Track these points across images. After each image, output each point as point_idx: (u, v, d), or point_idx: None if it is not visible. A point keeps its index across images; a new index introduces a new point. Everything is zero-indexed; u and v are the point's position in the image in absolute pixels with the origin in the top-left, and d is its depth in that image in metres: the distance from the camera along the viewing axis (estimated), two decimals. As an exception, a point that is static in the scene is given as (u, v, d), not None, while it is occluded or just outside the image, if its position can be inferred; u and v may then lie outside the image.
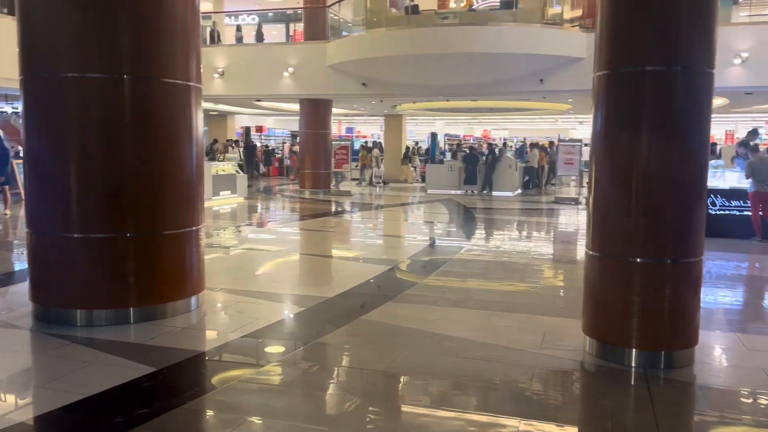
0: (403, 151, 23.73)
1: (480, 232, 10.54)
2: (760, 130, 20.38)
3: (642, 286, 3.97)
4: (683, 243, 3.95)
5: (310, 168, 17.91)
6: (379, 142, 23.89)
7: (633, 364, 4.03)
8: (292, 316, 5.16)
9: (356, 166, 22.46)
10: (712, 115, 4.06)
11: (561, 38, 14.15)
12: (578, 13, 15.00)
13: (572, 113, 26.38)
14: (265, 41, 19.35)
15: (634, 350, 4.05)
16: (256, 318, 5.01)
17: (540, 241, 9.98)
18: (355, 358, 4.15)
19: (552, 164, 20.00)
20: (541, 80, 14.67)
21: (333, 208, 14.28)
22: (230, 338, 4.46)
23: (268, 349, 4.27)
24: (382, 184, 20.75)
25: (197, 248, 5.15)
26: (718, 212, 9.90)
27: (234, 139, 22.34)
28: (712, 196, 9.78)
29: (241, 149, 20.89)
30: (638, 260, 3.96)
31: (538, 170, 20.54)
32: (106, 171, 4.61)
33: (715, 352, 4.39)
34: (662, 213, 3.90)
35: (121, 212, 4.66)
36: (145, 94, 4.68)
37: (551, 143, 16.67)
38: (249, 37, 20.13)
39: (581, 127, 36.96)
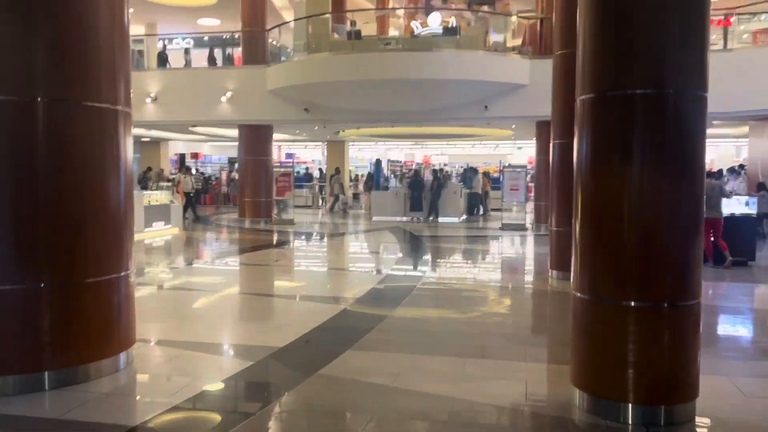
0: (350, 177, 23.47)
1: (435, 262, 10.27)
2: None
3: (638, 333, 3.66)
4: (682, 283, 3.65)
5: (250, 196, 17.28)
6: (337, 168, 23.34)
7: (630, 421, 3.70)
8: (236, 373, 4.60)
9: (329, 193, 21.96)
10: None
11: (504, 65, 14.24)
12: (518, 41, 15.39)
13: (512, 139, 26.85)
14: (193, 66, 18.47)
15: (630, 405, 3.71)
16: (194, 378, 4.45)
17: (498, 271, 9.83)
18: (312, 432, 3.59)
19: (485, 194, 20.12)
20: (486, 107, 14.70)
21: (276, 239, 13.88)
22: (163, 407, 3.87)
23: (206, 422, 3.71)
24: (346, 212, 20.51)
25: (126, 297, 4.59)
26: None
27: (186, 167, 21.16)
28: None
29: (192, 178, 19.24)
30: (632, 304, 3.65)
31: (482, 196, 20.43)
32: (15, 209, 4.08)
33: (714, 403, 4.02)
34: (658, 249, 3.61)
35: (33, 258, 4.11)
36: (63, 119, 4.19)
37: (502, 169, 16.79)
38: (181, 62, 19.29)
39: (520, 153, 37.53)
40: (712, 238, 9.52)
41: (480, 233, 15.37)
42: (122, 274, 4.56)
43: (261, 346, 5.21)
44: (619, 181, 3.64)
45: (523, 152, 37.75)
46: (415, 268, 9.53)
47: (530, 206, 18.12)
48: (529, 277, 9.15)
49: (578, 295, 3.88)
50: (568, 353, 4.10)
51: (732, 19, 13.90)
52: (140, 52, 18.38)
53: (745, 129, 17.75)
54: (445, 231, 15.57)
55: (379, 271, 9.44)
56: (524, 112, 14.53)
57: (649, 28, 3.59)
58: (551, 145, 8.50)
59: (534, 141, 24.84)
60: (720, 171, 14.59)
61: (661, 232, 3.61)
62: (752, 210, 9.93)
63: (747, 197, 10.14)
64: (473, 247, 12.90)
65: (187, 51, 19.21)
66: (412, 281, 8.32)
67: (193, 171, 22.53)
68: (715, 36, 13.52)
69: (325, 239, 14.08)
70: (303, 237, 14.34)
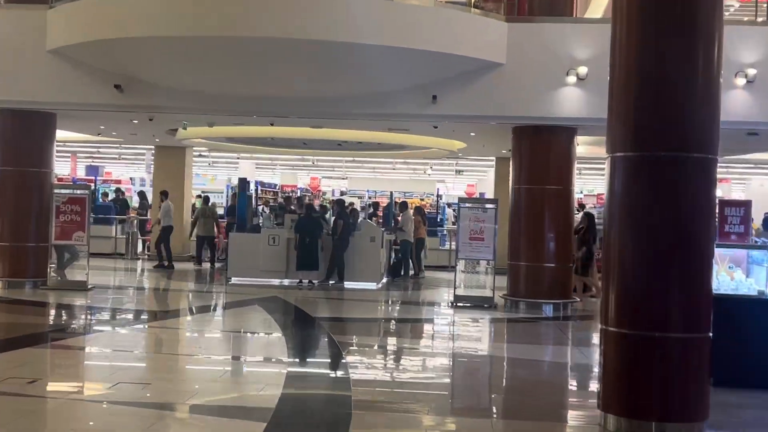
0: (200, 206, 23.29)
1: (356, 387, 9.10)
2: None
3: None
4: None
5: (8, 239, 15.90)
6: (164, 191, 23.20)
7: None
8: None
9: (192, 237, 22.58)
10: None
11: (468, 28, 14.19)
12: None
13: (451, 159, 27.75)
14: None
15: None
16: None
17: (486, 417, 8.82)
18: None
19: (417, 242, 20.18)
20: (434, 97, 14.34)
21: (53, 323, 13.55)
22: None
23: None
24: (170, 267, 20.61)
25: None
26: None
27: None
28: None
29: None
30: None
31: (414, 246, 20.00)
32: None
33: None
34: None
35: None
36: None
37: (452, 205, 16.47)
38: None
39: (457, 181, 37.15)
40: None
41: (416, 313, 15.74)
42: None
43: None
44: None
45: (466, 179, 37.77)
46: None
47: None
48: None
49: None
50: None
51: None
52: None
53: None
54: (356, 308, 15.81)
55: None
56: (498, 109, 14.51)
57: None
58: (609, 160, 7.48)
59: (493, 163, 24.31)
60: None
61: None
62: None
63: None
64: (416, 347, 12.69)
65: None
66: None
67: None
68: None
69: (152, 325, 13.58)
70: (100, 321, 13.82)
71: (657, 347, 6.58)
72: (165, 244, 20.75)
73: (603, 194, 32.43)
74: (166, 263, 20.59)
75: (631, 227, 6.80)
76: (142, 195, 26.36)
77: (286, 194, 31.33)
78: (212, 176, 38.02)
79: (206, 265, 21.47)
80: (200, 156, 30.80)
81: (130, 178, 36.66)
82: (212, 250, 21.34)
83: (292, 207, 21.68)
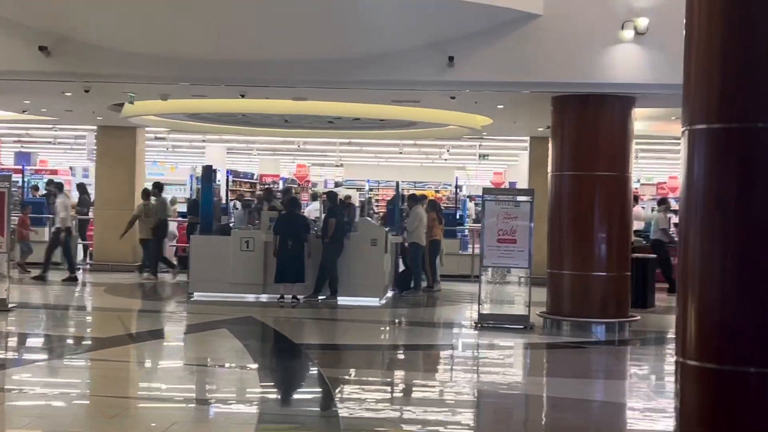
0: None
1: None
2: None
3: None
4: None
5: None
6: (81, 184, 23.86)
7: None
8: None
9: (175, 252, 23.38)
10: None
11: None
12: None
13: (473, 139, 27.94)
14: None
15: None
16: None
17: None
18: None
19: (432, 245, 20.14)
20: (451, 59, 14.20)
21: None
22: None
23: None
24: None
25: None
26: None
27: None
28: None
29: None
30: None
31: (427, 251, 19.83)
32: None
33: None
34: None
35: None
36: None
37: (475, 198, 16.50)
38: None
39: (482, 168, 37.08)
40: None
41: (429, 338, 15.78)
42: None
43: None
44: None
45: (491, 166, 37.86)
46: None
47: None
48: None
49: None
50: None
51: None
52: None
53: None
54: (352, 331, 15.90)
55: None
56: (533, 74, 14.35)
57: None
58: (688, 134, 6.91)
59: (526, 144, 24.22)
60: None
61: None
62: None
63: None
64: (429, 383, 12.35)
65: None
66: None
67: None
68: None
69: (75, 359, 13.41)
70: (21, 351, 13.95)
71: (753, 387, 6.12)
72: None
73: (664, 183, 32.26)
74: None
75: (719, 224, 6.34)
76: (82, 189, 26.21)
77: (267, 185, 31.74)
78: (172, 164, 37.75)
79: (168, 276, 21.77)
80: (157, 139, 30.93)
81: (70, 168, 37.03)
82: (151, 256, 21.68)
83: (279, 202, 21.67)
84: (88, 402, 10.77)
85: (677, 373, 6.13)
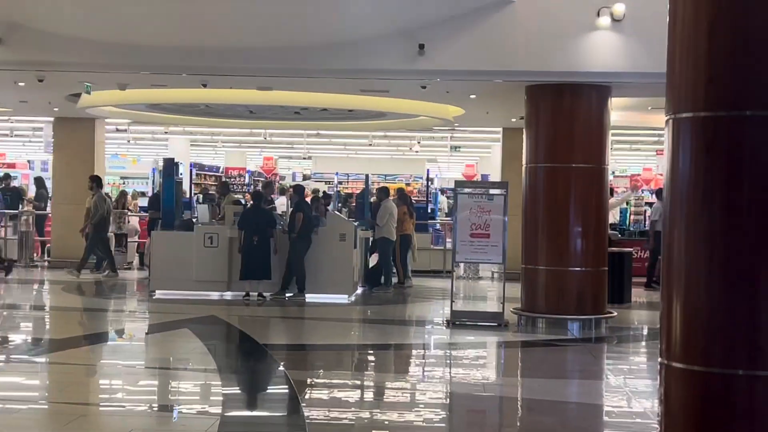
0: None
1: None
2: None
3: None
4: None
5: None
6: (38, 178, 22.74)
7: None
8: None
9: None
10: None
11: None
12: None
13: (444, 131, 28.19)
14: None
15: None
16: None
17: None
18: None
19: (402, 240, 20.40)
20: (422, 46, 14.30)
21: None
22: None
23: None
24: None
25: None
26: None
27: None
28: None
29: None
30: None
31: (397, 245, 20.01)
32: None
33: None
34: None
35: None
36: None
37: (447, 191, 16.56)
38: None
39: (453, 160, 37.25)
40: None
41: (400, 337, 15.66)
42: None
43: None
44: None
45: (463, 158, 38.09)
46: None
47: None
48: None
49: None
50: None
51: None
52: None
53: None
54: (320, 330, 15.82)
55: None
56: (506, 62, 14.48)
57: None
58: (672, 124, 6.69)
59: (499, 136, 24.37)
60: None
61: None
62: None
63: None
64: (400, 384, 12.36)
65: None
66: None
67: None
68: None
69: (27, 361, 13.24)
70: None
71: (741, 390, 5.93)
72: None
73: (638, 176, 32.41)
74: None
75: (706, 220, 6.09)
76: (39, 182, 26.49)
77: (223, 179, 31.86)
78: (134, 157, 38.52)
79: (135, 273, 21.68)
80: (117, 131, 31.08)
81: (28, 161, 37.50)
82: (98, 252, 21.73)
83: (268, 198, 21.53)
84: (43, 407, 10.64)
85: (661, 375, 5.85)
